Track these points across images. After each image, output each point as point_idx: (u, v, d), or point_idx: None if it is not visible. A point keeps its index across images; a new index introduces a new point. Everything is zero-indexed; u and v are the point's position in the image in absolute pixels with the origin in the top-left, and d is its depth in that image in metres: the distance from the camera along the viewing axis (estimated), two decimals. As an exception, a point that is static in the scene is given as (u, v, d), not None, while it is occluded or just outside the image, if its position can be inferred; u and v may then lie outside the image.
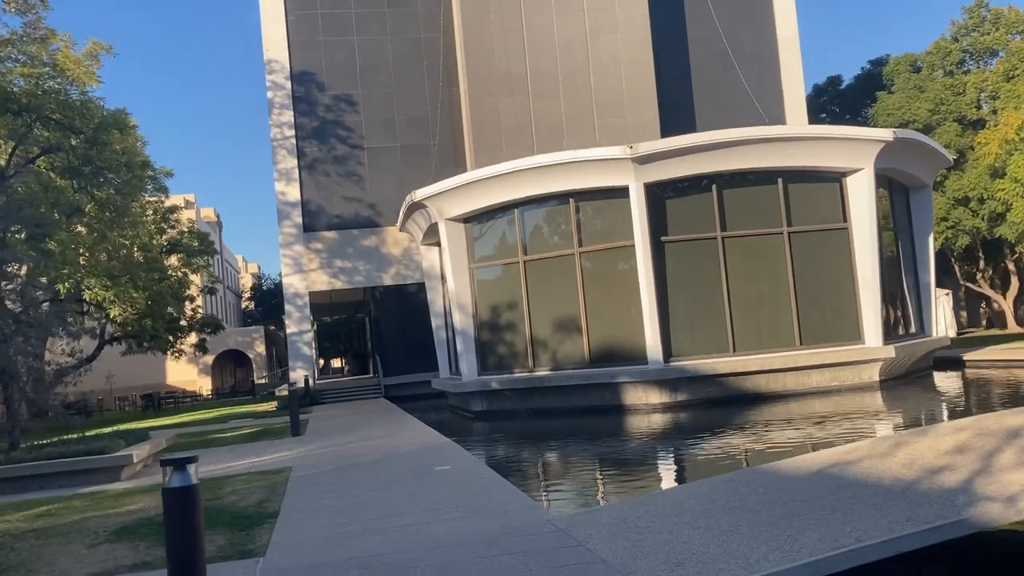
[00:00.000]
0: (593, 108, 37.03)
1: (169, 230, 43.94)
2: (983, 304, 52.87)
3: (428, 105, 38.51)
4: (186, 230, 45.74)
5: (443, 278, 28.86)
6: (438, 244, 28.89)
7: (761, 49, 41.43)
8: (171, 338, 43.33)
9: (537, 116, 36.76)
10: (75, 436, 17.62)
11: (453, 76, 38.45)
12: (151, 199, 41.61)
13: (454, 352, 28.10)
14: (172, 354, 45.22)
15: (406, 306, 37.42)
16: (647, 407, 21.91)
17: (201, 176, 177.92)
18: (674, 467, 14.09)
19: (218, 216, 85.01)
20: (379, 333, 39.81)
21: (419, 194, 25.16)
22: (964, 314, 55.16)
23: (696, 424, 19.08)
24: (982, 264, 47.19)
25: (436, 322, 30.49)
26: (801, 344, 22.67)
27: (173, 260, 43.79)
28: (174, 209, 44.62)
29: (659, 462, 14.79)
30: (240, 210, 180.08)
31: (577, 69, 37.21)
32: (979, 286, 48.06)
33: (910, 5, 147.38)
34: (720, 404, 21.49)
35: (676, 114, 38.73)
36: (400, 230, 32.21)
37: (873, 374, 22.50)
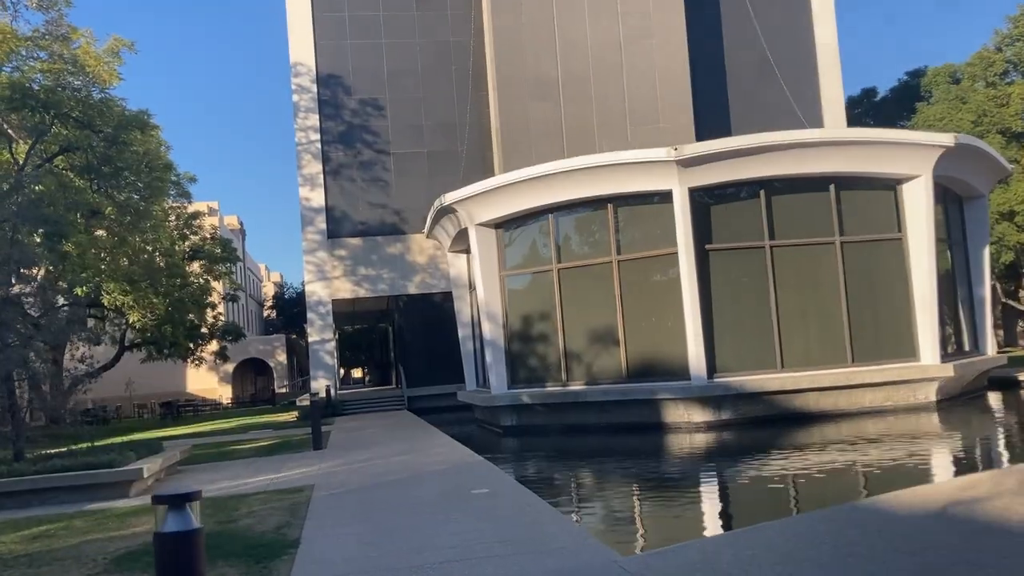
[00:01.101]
0: (626, 114, 35.88)
1: (191, 236, 43.13)
2: (1020, 322, 51.23)
3: (456, 110, 37.48)
4: (209, 236, 44.96)
5: (471, 286, 27.76)
6: (467, 251, 27.78)
7: (799, 57, 40.08)
8: (191, 345, 42.48)
9: (568, 122, 35.65)
10: (84, 447, 16.55)
11: (482, 81, 37.43)
12: (174, 205, 40.90)
13: (482, 364, 26.95)
14: (192, 362, 44.39)
15: (431, 316, 36.33)
16: (689, 425, 20.64)
17: (225, 184, 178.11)
18: (743, 496, 12.76)
19: (241, 224, 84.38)
20: (403, 343, 38.72)
21: (449, 198, 24.07)
22: (1001, 332, 53.44)
23: (747, 445, 17.79)
24: (1024, 281, 45.62)
25: (463, 332, 29.35)
26: (853, 361, 21.34)
27: (195, 267, 42.98)
28: (197, 215, 43.80)
29: (722, 489, 13.49)
30: (263, 219, 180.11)
31: (610, 74, 36.09)
32: (1020, 303, 46.47)
33: (943, 18, 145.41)
34: (767, 424, 20.20)
35: (711, 123, 37.39)
36: (427, 237, 31.14)
37: (929, 394, 21.14)
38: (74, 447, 16.78)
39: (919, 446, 16.02)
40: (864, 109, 56.02)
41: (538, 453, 19.71)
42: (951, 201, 24.88)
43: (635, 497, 13.29)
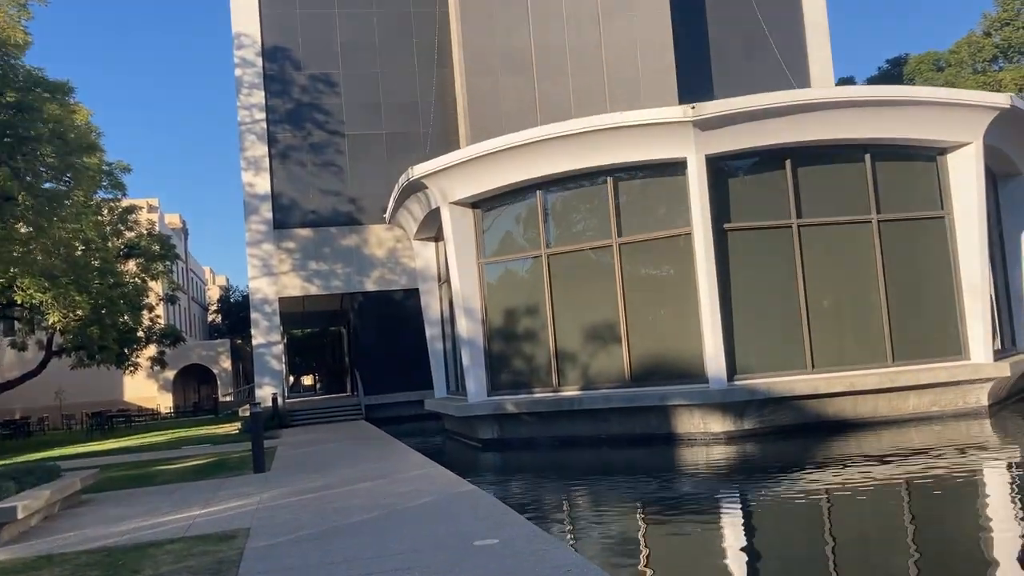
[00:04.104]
0: (606, 92, 32.68)
1: (127, 232, 38.86)
2: None
3: (418, 88, 33.93)
4: (145, 232, 40.71)
5: (440, 279, 24.34)
6: (435, 238, 24.35)
7: (787, 37, 37.22)
8: (126, 350, 38.32)
9: (542, 100, 32.35)
10: (-49, 475, 12.75)
11: (447, 55, 33.96)
12: (106, 199, 36.79)
13: (455, 367, 23.51)
14: (126, 368, 40.18)
15: (391, 315, 32.78)
16: (706, 436, 17.38)
17: (168, 183, 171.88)
18: (861, 540, 9.37)
19: (184, 223, 79.65)
20: (359, 346, 35.04)
21: (418, 170, 20.56)
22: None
23: (793, 461, 14.55)
24: None
25: (432, 332, 25.80)
26: (894, 360, 18.29)
27: (131, 265, 38.82)
28: (132, 209, 39.44)
29: (829, 532, 10.01)
30: (210, 220, 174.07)
31: (588, 48, 32.90)
32: None
33: (922, 8, 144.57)
34: (798, 433, 17.10)
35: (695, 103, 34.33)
36: (389, 223, 27.60)
37: (981, 397, 18.16)
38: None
39: (1013, 460, 12.90)
40: (842, 100, 53.72)
41: (535, 475, 16.19)
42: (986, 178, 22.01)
43: (711, 545, 9.80)
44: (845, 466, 13.52)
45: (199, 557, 8.59)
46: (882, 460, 13.87)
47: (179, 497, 13.44)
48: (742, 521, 10.66)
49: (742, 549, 9.17)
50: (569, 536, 10.12)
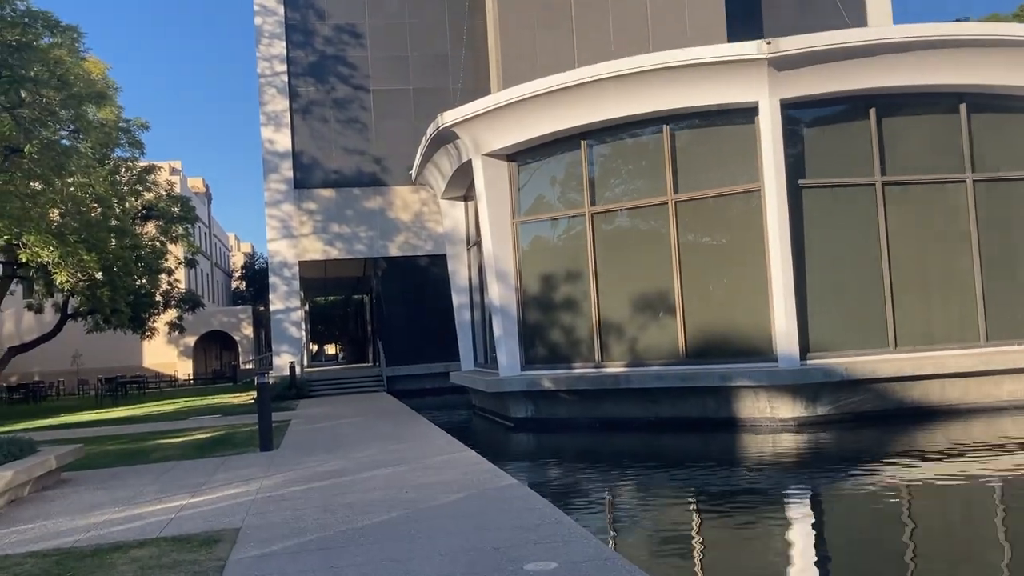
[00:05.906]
0: (649, 45, 30.27)
1: (145, 193, 37.10)
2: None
3: (449, 41, 31.75)
4: (164, 193, 38.95)
5: (470, 241, 22.31)
6: (465, 197, 22.28)
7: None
8: (143, 314, 36.73)
9: (581, 55, 29.99)
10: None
11: (479, 5, 31.72)
12: (123, 157, 35.05)
13: (483, 338, 21.51)
14: (143, 332, 38.59)
15: (415, 282, 30.85)
16: (772, 423, 15.27)
17: (195, 152, 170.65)
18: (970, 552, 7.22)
19: (207, 187, 77.97)
20: (382, 314, 33.11)
21: (449, 117, 18.42)
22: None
23: (888, 451, 12.42)
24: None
25: (459, 299, 23.78)
26: (987, 339, 16.07)
27: (150, 228, 37.16)
28: (151, 169, 37.64)
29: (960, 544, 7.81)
30: (237, 191, 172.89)
31: (632, 1, 30.53)
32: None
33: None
34: (880, 421, 15.04)
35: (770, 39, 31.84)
36: (414, 180, 25.53)
37: (1085, 384, 15.89)
38: None
39: None
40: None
41: (581, 464, 14.08)
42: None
43: (840, 568, 7.69)
44: (946, 460, 11.44)
45: (167, 570, 6.68)
46: (983, 453, 11.79)
47: (169, 479, 11.59)
48: (878, 536, 8.61)
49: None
50: (648, 556, 8.06)
